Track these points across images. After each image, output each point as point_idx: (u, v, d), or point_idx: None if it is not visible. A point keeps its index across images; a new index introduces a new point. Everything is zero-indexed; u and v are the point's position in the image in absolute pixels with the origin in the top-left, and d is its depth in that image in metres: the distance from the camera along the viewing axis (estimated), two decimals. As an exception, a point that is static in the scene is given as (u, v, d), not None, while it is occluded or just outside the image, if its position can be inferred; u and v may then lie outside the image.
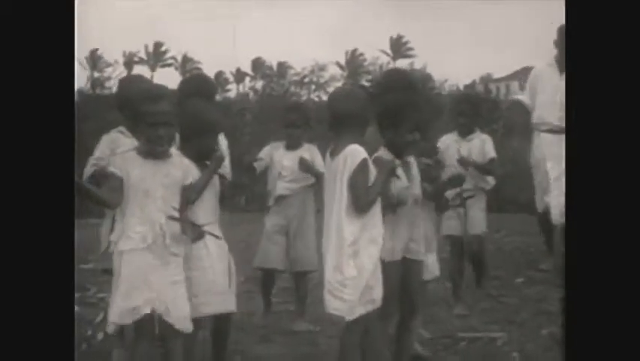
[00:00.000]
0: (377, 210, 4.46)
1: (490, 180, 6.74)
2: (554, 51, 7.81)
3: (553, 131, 7.61)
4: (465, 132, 6.67)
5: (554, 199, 7.51)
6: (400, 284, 4.67)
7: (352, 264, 4.35)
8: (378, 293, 4.42)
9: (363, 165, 4.39)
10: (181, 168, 4.35)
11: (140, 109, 4.24)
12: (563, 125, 7.25)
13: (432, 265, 5.53)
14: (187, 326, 4.30)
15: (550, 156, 7.55)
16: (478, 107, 6.93)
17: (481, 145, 6.64)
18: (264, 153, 6.23)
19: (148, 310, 4.15)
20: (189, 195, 4.38)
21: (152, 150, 4.27)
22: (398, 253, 4.65)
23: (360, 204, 4.39)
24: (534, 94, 7.84)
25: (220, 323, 4.81)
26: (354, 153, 4.41)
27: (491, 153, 6.63)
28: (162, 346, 4.34)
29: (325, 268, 4.43)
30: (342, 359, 4.50)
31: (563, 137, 7.20)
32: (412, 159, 4.77)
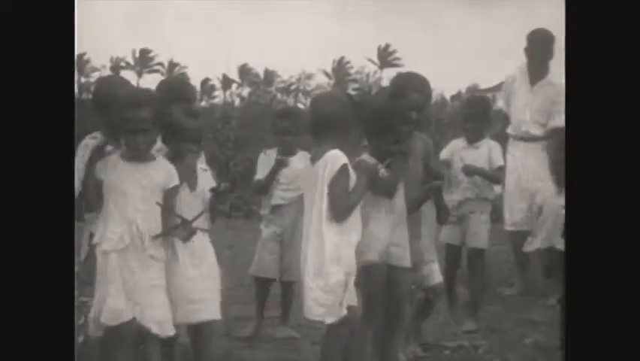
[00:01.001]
0: (356, 214, 4.44)
1: (497, 190, 6.57)
2: (524, 59, 7.62)
3: (522, 139, 7.51)
4: (473, 139, 6.40)
5: (519, 212, 7.43)
6: (385, 290, 4.65)
7: (335, 270, 4.32)
8: (354, 297, 4.40)
9: (343, 170, 4.36)
10: (164, 171, 4.34)
11: (120, 115, 4.24)
12: (532, 134, 7.36)
13: (436, 276, 5.51)
14: (166, 331, 4.28)
15: (520, 166, 7.45)
16: (486, 111, 6.62)
17: (488, 152, 6.38)
18: (261, 162, 6.10)
19: (128, 314, 4.17)
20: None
21: (132, 153, 4.28)
22: (377, 256, 4.64)
23: (339, 210, 4.36)
24: (509, 101, 7.68)
25: (198, 331, 4.67)
26: (335, 158, 4.38)
27: (499, 160, 6.39)
28: (141, 350, 4.33)
29: (305, 274, 4.41)
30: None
31: (532, 145, 7.25)
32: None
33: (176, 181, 4.36)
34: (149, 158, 4.33)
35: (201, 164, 4.64)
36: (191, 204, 4.47)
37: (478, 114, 6.46)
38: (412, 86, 5.23)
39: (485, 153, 6.36)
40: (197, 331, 4.61)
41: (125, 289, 4.17)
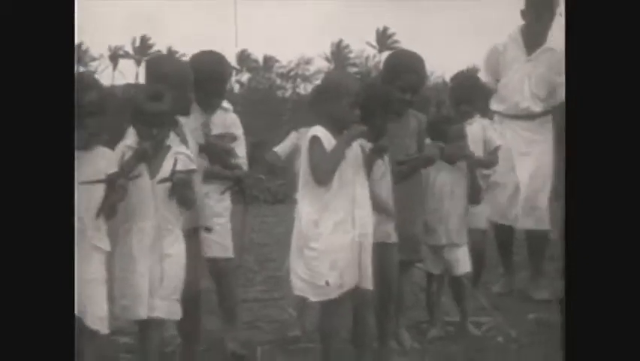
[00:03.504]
0: (342, 192, 4.39)
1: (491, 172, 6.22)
2: (520, 22, 6.67)
3: (518, 117, 6.66)
4: (464, 117, 5.99)
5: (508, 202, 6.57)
6: (376, 268, 4.59)
7: (313, 246, 4.32)
8: (349, 278, 4.38)
9: (313, 141, 4.37)
10: (104, 157, 4.16)
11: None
12: (532, 111, 6.54)
13: (463, 260, 5.52)
14: (105, 328, 4.14)
15: (516, 148, 6.58)
16: (474, 89, 6.20)
17: (483, 131, 6.01)
18: (290, 140, 5.72)
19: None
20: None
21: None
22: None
23: (316, 176, 4.35)
24: (498, 75, 6.73)
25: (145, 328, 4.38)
26: (310, 132, 4.42)
27: (496, 140, 6.02)
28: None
29: (290, 250, 4.45)
30: (325, 342, 4.52)
31: (529, 125, 6.59)
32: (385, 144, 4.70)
33: (113, 168, 4.15)
34: (90, 146, 4.14)
35: (177, 147, 4.38)
36: (153, 193, 4.27)
37: (467, 91, 6.17)
38: (405, 67, 5.17)
39: (479, 132, 6.02)
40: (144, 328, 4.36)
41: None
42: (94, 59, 65.27)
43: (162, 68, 4.68)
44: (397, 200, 4.87)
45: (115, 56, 67.90)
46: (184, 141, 4.59)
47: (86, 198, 4.05)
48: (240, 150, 5.19)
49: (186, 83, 4.64)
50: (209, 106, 5.09)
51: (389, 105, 4.77)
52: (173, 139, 4.40)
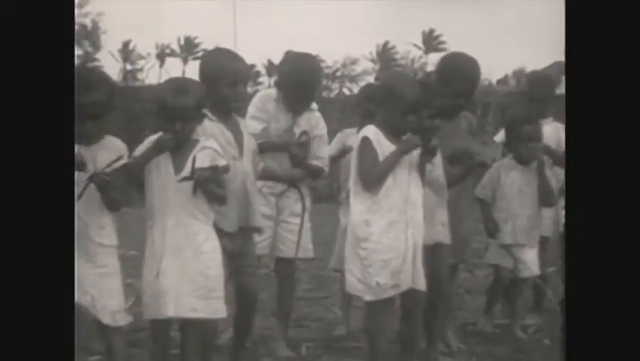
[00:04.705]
0: (395, 192, 4.36)
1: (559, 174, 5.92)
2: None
3: None
4: (537, 118, 5.74)
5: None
6: (428, 269, 4.55)
7: (365, 246, 4.32)
8: (404, 279, 4.36)
9: (364, 143, 4.35)
10: (109, 148, 4.06)
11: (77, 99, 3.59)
12: None
13: (530, 262, 5.48)
14: (117, 321, 4.06)
15: None
16: (552, 90, 6.10)
17: (556, 133, 5.84)
18: (337, 141, 5.68)
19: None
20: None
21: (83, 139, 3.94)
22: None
23: (366, 181, 4.35)
24: None
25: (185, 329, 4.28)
26: (361, 132, 4.42)
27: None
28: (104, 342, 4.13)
29: (345, 249, 4.45)
30: (371, 342, 4.50)
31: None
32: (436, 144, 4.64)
33: (119, 153, 4.05)
34: (95, 139, 4.04)
35: (205, 142, 4.20)
36: (176, 188, 4.10)
37: (543, 93, 6.05)
38: (460, 73, 5.09)
39: (552, 133, 5.85)
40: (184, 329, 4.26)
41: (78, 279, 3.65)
42: (141, 57, 65.71)
43: (216, 61, 4.60)
44: (447, 201, 4.85)
45: (162, 55, 68.25)
46: (236, 138, 4.54)
47: (87, 196, 3.97)
48: (322, 150, 5.19)
49: (242, 75, 4.58)
50: (296, 110, 5.09)
51: (441, 109, 4.74)
52: (202, 133, 4.29)
